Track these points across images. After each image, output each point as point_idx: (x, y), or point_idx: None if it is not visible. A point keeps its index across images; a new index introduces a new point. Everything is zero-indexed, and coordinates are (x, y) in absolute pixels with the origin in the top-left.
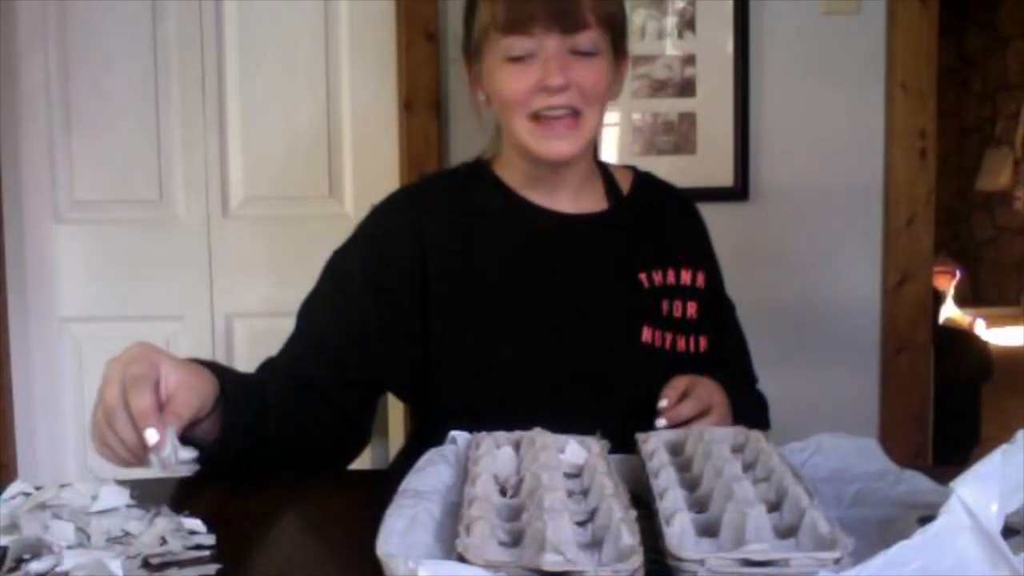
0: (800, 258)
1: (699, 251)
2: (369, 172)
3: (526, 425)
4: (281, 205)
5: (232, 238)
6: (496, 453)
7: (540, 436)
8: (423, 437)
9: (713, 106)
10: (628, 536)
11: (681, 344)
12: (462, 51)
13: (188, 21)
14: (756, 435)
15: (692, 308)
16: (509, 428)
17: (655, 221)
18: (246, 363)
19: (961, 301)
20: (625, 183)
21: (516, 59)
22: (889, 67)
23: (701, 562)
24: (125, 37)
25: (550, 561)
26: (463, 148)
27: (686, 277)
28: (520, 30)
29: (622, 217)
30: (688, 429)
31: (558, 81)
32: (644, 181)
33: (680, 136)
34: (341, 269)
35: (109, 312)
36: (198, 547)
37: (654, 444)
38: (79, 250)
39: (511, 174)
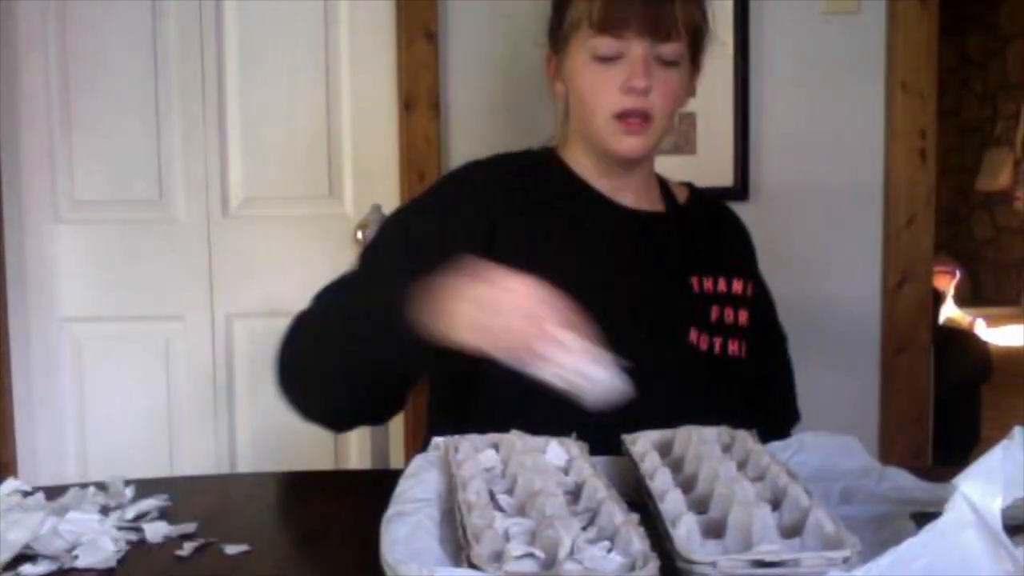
0: (800, 258)
1: (750, 266)
2: (369, 172)
3: (568, 410)
4: (281, 205)
5: (232, 238)
6: (478, 457)
7: (519, 439)
8: (461, 422)
9: (713, 106)
10: (638, 541)
11: (733, 348)
12: (548, 38)
13: (188, 21)
14: (743, 434)
15: (743, 316)
16: (551, 414)
17: (710, 231)
18: (246, 363)
19: (961, 301)
20: (681, 196)
21: (603, 59)
22: (889, 67)
23: (713, 564)
24: (125, 37)
25: (569, 570)
26: (463, 148)
27: (737, 287)
28: (613, 31)
29: (679, 221)
30: (675, 429)
31: (642, 83)
32: (700, 195)
33: (680, 136)
34: (408, 230)
35: (109, 312)
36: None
37: (643, 446)
38: (79, 250)
39: (578, 164)
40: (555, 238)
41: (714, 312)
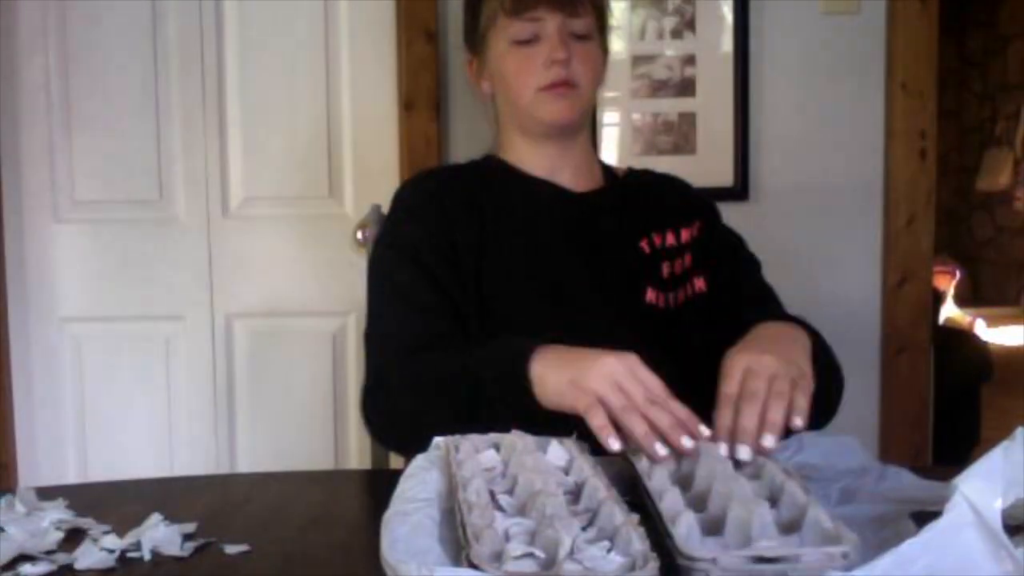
0: (800, 258)
1: (695, 207)
2: (369, 172)
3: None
4: (281, 205)
5: (232, 238)
6: (478, 457)
7: (520, 439)
8: None
9: (713, 106)
10: (638, 541)
11: (682, 296)
12: (465, 43)
13: (188, 21)
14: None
15: (688, 259)
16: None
17: (652, 193)
18: (246, 363)
19: (961, 301)
20: (620, 173)
21: (522, 43)
22: (889, 67)
23: (713, 561)
24: (125, 37)
25: (569, 570)
26: (463, 148)
27: (685, 235)
28: (527, 14)
29: (620, 192)
30: None
31: (562, 54)
32: (638, 171)
33: (680, 136)
34: (406, 249)
35: (109, 312)
36: None
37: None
38: (79, 250)
39: (516, 157)
40: (504, 232)
41: (665, 268)
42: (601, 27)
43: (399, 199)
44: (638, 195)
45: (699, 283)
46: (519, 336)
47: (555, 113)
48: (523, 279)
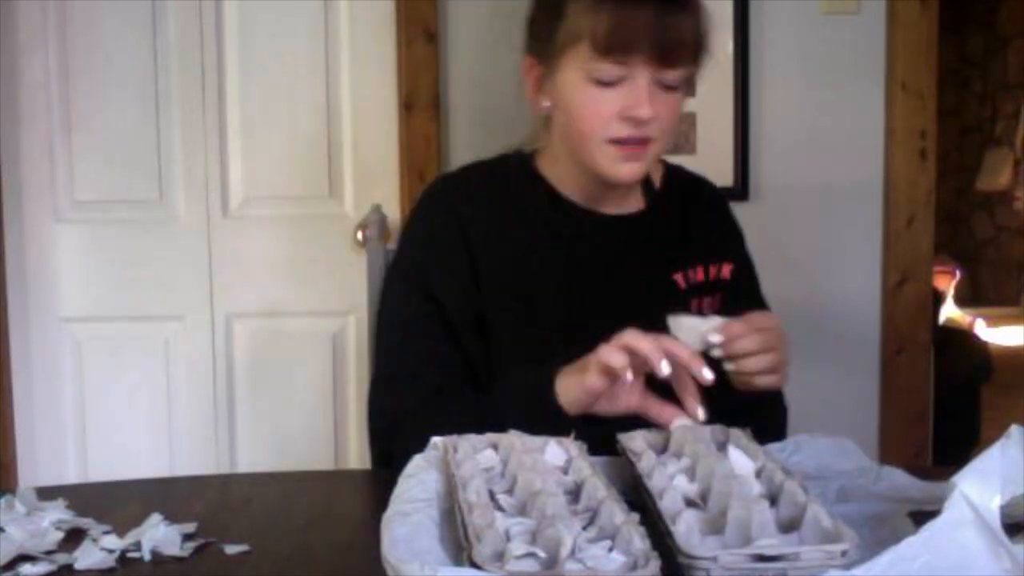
0: (800, 258)
1: (728, 241)
2: (369, 172)
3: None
4: (281, 205)
5: (232, 238)
6: (476, 457)
7: (518, 438)
8: None
9: (713, 106)
10: (639, 541)
11: None
12: (529, 45)
13: (188, 21)
14: (736, 433)
15: (717, 302)
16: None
17: (686, 215)
18: (246, 363)
19: (961, 301)
20: (656, 176)
21: (601, 82)
22: (889, 67)
23: (714, 559)
24: (125, 37)
25: (571, 570)
26: (463, 148)
27: (713, 272)
28: (618, 57)
29: (658, 215)
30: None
31: (647, 113)
32: (673, 172)
33: (680, 136)
34: (417, 287)
35: (109, 312)
36: None
37: (639, 445)
38: (79, 250)
39: (559, 176)
40: (533, 260)
41: (694, 305)
42: (696, 70)
43: (419, 215)
44: (675, 218)
45: None
46: (528, 370)
47: (621, 173)
48: (543, 311)
